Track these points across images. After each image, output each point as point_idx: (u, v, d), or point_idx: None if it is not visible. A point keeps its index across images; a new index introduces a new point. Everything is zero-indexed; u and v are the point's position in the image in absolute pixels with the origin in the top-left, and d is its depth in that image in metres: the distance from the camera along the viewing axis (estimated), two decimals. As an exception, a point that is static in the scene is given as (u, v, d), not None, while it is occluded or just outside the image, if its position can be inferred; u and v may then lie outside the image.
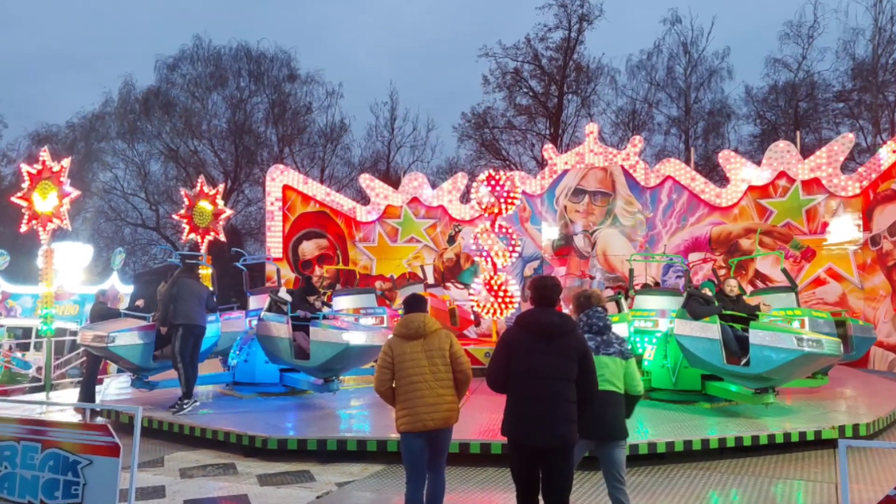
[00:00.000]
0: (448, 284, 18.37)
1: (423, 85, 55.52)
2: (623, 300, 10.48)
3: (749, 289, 13.38)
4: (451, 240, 18.61)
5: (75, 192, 12.02)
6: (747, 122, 30.16)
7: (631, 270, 10.96)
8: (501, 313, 12.74)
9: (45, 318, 11.71)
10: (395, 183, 21.34)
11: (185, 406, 8.55)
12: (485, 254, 12.70)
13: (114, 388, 10.91)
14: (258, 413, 8.66)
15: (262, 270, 18.69)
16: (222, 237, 15.35)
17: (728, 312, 8.42)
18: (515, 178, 13.36)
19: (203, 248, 14.58)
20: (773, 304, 9.95)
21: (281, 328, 9.13)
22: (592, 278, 17.15)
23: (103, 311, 9.88)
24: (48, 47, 62.48)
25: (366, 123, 34.10)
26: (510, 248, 12.81)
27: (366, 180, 19.93)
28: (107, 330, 8.82)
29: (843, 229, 14.79)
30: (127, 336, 8.80)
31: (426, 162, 34.04)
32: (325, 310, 9.92)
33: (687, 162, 18.25)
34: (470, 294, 13.93)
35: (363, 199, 20.74)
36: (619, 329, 8.37)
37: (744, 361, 7.87)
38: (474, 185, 13.18)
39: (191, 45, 32.08)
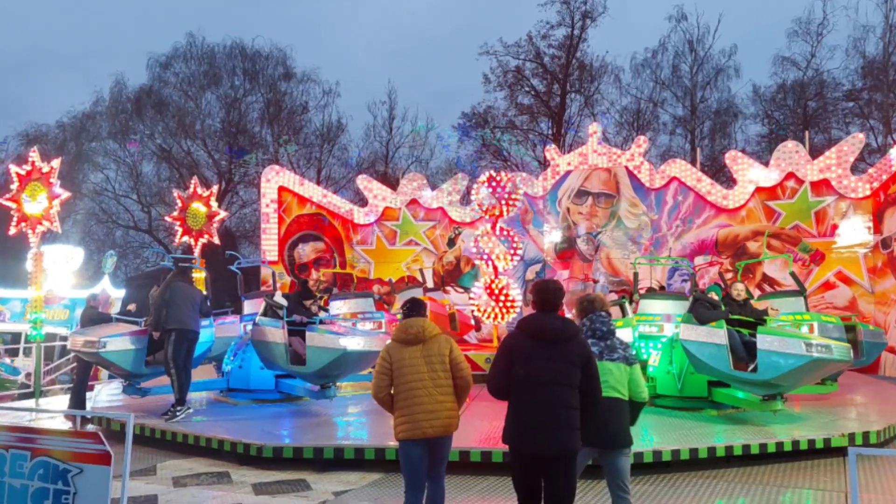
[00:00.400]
0: (448, 288, 18.27)
1: (423, 84, 55.28)
2: (627, 304, 10.39)
3: (756, 293, 13.27)
4: (451, 242, 18.48)
5: (65, 194, 11.89)
6: (755, 122, 30.07)
7: (635, 274, 10.91)
8: (502, 318, 12.68)
9: (34, 323, 11.59)
10: (393, 184, 21.21)
11: (178, 413, 8.47)
12: (485, 257, 12.65)
13: (105, 394, 10.94)
14: (253, 420, 8.59)
15: (256, 274, 18.53)
16: (216, 240, 15.20)
17: (735, 317, 8.36)
18: (517, 180, 13.25)
19: (196, 251, 14.44)
20: (781, 308, 9.93)
21: (276, 333, 9.05)
22: (596, 282, 17.04)
23: (94, 316, 9.79)
24: (37, 45, 62.47)
25: (363, 123, 33.88)
26: (511, 251, 12.76)
27: (363, 181, 19.81)
28: (98, 335, 8.79)
29: (853, 232, 14.63)
30: (118, 341, 8.77)
31: (425, 163, 33.89)
32: (322, 314, 9.85)
33: (693, 162, 18.07)
34: (470, 298, 13.86)
35: (361, 200, 20.60)
36: (624, 334, 8.32)
37: (751, 367, 7.83)
38: (475, 186, 13.08)
39: (184, 42, 31.93)
